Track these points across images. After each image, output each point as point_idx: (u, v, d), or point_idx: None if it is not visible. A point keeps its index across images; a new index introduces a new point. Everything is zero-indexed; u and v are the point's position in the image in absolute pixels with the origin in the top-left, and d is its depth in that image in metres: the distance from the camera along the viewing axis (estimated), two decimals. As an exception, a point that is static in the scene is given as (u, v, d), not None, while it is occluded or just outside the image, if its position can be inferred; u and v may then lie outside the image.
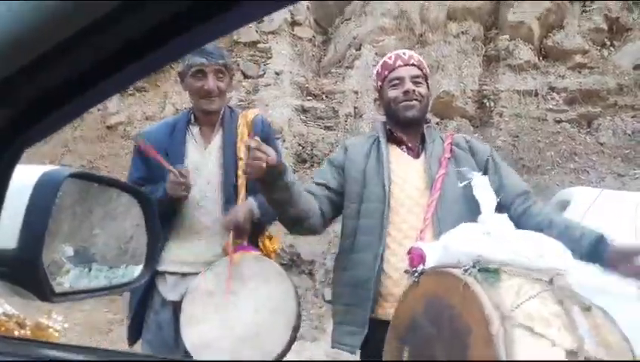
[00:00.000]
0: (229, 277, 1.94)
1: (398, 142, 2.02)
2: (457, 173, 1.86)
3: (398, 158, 1.98)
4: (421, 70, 2.02)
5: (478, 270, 1.24)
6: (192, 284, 1.97)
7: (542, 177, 6.57)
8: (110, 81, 0.56)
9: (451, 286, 1.27)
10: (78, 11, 0.47)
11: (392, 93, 1.99)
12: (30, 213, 0.63)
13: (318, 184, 2.00)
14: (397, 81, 1.99)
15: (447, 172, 1.89)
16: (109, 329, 5.32)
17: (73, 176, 0.75)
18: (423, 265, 1.43)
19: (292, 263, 5.89)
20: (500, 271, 1.25)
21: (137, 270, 1.06)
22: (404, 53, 2.05)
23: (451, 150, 1.96)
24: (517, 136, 7.11)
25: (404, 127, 2.00)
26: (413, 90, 1.96)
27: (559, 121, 7.26)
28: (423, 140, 2.02)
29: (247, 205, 2.05)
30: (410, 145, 2.01)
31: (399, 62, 2.01)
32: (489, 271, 1.25)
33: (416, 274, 1.42)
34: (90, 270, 1.20)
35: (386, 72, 2.02)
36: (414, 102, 1.96)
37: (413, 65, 2.00)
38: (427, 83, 2.05)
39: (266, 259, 2.05)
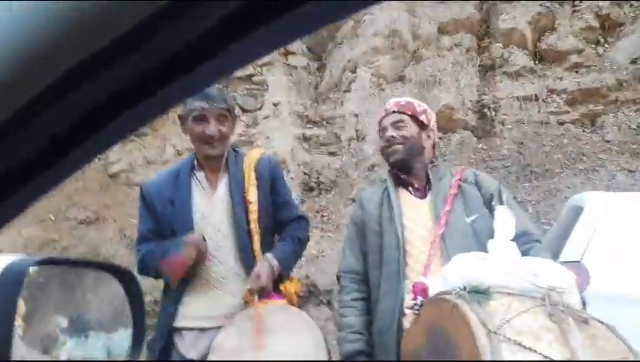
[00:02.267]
0: (257, 332, 1.83)
1: (406, 185, 2.08)
2: (465, 208, 1.94)
3: (407, 202, 2.04)
4: (403, 113, 2.08)
5: (468, 292, 1.32)
6: (215, 342, 1.84)
7: (551, 181, 6.48)
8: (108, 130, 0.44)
9: (445, 310, 1.36)
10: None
11: (380, 143, 2.15)
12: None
13: (348, 273, 2.09)
14: (382, 133, 2.12)
15: (453, 208, 1.94)
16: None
17: (40, 263, 0.71)
18: (423, 297, 1.52)
19: (310, 294, 5.80)
20: (490, 291, 1.32)
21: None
22: (389, 103, 2.17)
23: (459, 186, 2.01)
24: (522, 143, 7.05)
25: (402, 171, 2.08)
26: (393, 136, 2.05)
27: (562, 123, 7.21)
28: (429, 180, 2.07)
29: (267, 264, 1.97)
30: (416, 185, 2.07)
31: (383, 113, 2.14)
32: (479, 292, 1.32)
33: (416, 307, 1.52)
34: (87, 338, 1.15)
35: (378, 125, 2.16)
36: (396, 146, 2.05)
37: (394, 112, 2.10)
38: (417, 122, 2.08)
39: (292, 309, 1.96)
